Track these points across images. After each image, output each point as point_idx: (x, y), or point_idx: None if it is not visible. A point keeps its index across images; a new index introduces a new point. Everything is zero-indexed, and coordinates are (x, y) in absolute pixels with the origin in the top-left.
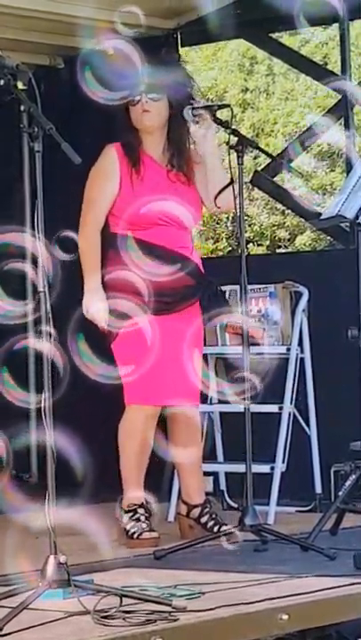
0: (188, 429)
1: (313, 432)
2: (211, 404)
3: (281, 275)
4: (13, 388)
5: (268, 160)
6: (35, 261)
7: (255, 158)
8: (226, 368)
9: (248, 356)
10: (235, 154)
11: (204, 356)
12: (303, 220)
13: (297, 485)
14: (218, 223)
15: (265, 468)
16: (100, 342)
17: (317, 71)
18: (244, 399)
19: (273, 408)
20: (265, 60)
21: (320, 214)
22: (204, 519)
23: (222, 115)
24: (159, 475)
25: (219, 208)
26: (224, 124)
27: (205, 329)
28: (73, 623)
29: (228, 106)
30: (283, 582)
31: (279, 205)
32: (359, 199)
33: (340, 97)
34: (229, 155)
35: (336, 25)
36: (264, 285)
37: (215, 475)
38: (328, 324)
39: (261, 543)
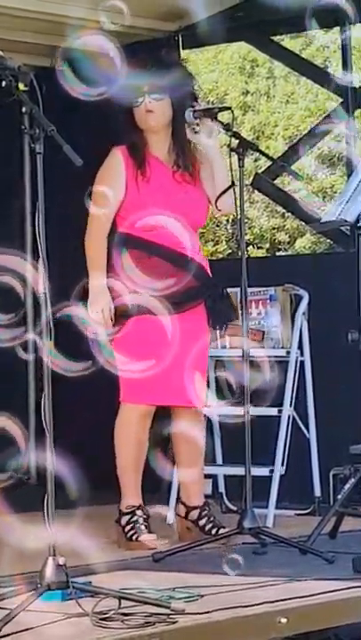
0: (189, 448)
1: (312, 435)
2: (210, 406)
3: (281, 278)
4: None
5: (269, 163)
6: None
7: (256, 161)
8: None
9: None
10: (235, 156)
11: None
12: (303, 222)
13: (296, 488)
14: (218, 226)
15: (264, 471)
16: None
17: (318, 74)
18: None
19: (272, 411)
20: (266, 62)
21: (320, 218)
22: (202, 522)
23: (223, 117)
24: (158, 477)
25: (220, 211)
26: (225, 127)
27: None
28: (71, 625)
29: (228, 108)
30: (281, 585)
31: (279, 208)
32: (360, 202)
33: (341, 100)
34: (230, 157)
35: (337, 28)
36: (264, 288)
37: (214, 477)
38: (328, 327)
39: (260, 546)
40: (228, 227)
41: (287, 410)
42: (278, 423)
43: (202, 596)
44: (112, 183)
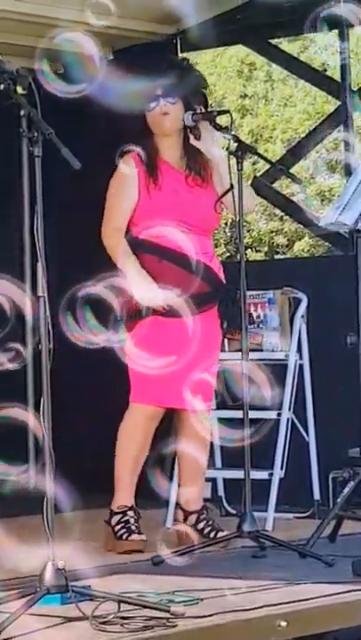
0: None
1: (311, 438)
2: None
3: (280, 281)
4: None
5: (268, 166)
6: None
7: (254, 164)
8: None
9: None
10: (234, 160)
11: None
12: (302, 226)
13: (295, 492)
14: (216, 229)
15: (263, 475)
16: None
17: (316, 77)
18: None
19: (271, 414)
20: (264, 66)
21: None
22: (200, 525)
23: (221, 121)
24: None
25: (219, 214)
26: (223, 130)
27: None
28: (71, 629)
29: (227, 112)
30: (281, 589)
31: (278, 211)
32: (359, 205)
33: (339, 103)
34: (229, 161)
35: (336, 31)
36: (263, 291)
37: (213, 481)
38: (327, 330)
39: (260, 549)
40: (227, 230)
41: (286, 413)
42: (277, 426)
43: (201, 599)
44: (125, 189)
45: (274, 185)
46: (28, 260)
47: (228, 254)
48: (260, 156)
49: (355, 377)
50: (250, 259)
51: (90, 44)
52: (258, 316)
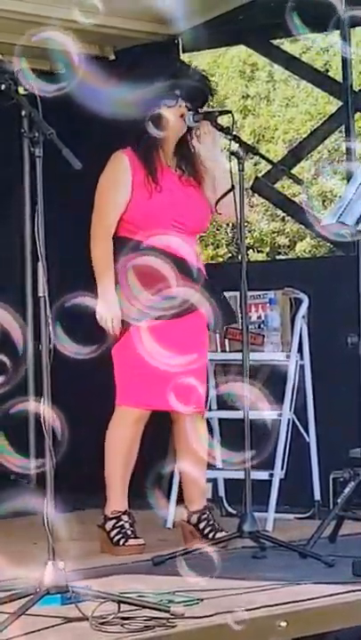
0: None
1: (312, 439)
2: (210, 410)
3: (281, 281)
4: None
5: (269, 166)
6: None
7: (256, 165)
8: (225, 374)
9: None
10: (235, 160)
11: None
12: (303, 226)
13: (296, 492)
14: (218, 229)
15: (264, 475)
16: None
17: (318, 78)
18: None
19: (272, 415)
20: (266, 66)
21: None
22: (201, 525)
23: (223, 121)
24: (158, 481)
25: (220, 214)
26: (225, 131)
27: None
28: (71, 629)
29: (228, 112)
30: (281, 589)
31: (279, 212)
32: (359, 207)
33: (340, 104)
34: (230, 161)
35: (337, 32)
36: (264, 292)
37: (214, 481)
38: (328, 330)
39: (260, 550)
40: (229, 230)
41: (287, 413)
42: (278, 427)
43: (201, 599)
44: (117, 187)
45: (275, 185)
46: (29, 260)
47: (230, 255)
48: (261, 156)
49: (355, 377)
50: (251, 259)
51: (70, 41)
52: (259, 317)
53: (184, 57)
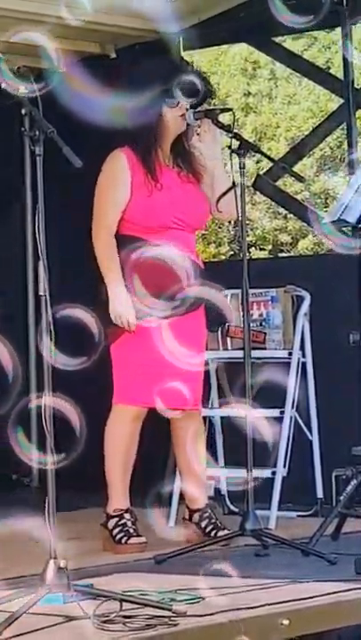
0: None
1: (314, 437)
2: (212, 408)
3: (283, 279)
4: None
5: (271, 164)
6: None
7: (257, 162)
8: (227, 373)
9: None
10: (237, 158)
11: (205, 362)
12: (305, 224)
13: (298, 490)
14: (220, 227)
15: (266, 473)
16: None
17: (320, 75)
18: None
19: (274, 412)
20: (268, 64)
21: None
22: (203, 523)
23: (224, 119)
24: (160, 479)
25: (220, 212)
26: (226, 128)
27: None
28: (73, 628)
29: (230, 110)
30: (284, 587)
31: (281, 209)
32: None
33: (342, 101)
34: (231, 159)
35: (339, 29)
36: (266, 290)
37: (216, 479)
38: (330, 328)
39: (262, 548)
40: (231, 228)
41: (289, 411)
42: (281, 425)
43: (203, 598)
44: (117, 186)
45: (277, 183)
46: (30, 260)
47: (232, 252)
48: (262, 154)
49: (357, 375)
50: (253, 257)
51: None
52: (261, 315)
53: (185, 55)
